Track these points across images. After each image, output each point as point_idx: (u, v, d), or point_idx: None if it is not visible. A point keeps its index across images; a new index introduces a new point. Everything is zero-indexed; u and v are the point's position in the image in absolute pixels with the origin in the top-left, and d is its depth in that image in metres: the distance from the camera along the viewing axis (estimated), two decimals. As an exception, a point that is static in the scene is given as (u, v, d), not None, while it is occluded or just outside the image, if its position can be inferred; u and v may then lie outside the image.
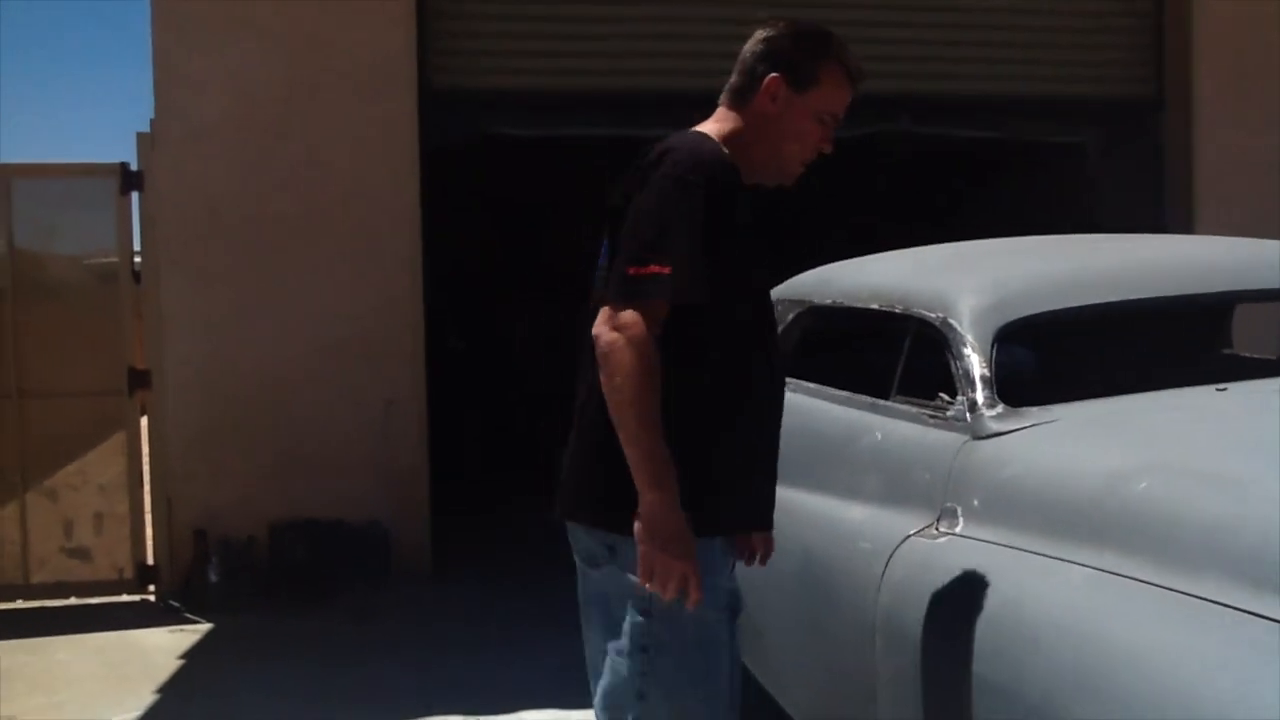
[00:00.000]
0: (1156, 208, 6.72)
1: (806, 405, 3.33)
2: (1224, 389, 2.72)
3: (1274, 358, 4.10)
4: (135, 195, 5.43)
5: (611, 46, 5.92)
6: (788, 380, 2.44)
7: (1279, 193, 6.39)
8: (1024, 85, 6.60)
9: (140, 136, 5.41)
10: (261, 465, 5.52)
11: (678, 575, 1.97)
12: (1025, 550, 2.26)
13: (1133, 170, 6.75)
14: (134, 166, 5.42)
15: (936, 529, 2.52)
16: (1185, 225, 6.52)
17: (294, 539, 5.54)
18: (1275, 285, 2.84)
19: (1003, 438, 2.56)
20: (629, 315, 1.99)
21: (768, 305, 2.31)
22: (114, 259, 5.49)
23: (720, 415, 2.13)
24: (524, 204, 8.46)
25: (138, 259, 5.51)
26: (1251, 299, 3.03)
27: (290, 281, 5.53)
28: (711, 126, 2.24)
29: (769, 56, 2.23)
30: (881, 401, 3.02)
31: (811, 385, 3.39)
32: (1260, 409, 2.49)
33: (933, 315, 2.92)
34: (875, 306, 3.22)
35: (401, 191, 5.62)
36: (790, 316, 3.71)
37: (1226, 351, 4.20)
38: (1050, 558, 2.19)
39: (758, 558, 2.39)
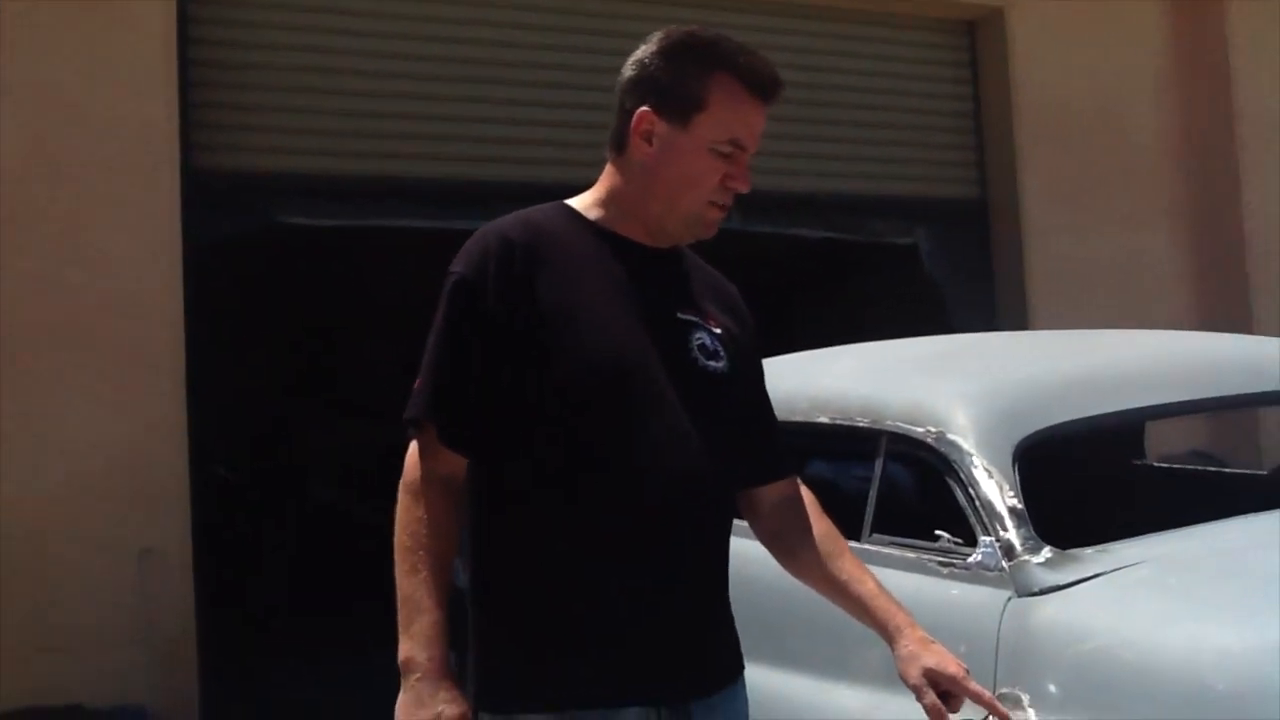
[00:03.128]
0: (990, 309, 6.49)
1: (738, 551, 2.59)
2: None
3: (1199, 468, 3.70)
4: None
5: (421, 129, 5.14)
6: None
7: (1111, 295, 6.27)
8: (853, 184, 6.29)
9: None
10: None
11: None
12: (1165, 764, 1.58)
13: (966, 271, 6.52)
14: None
15: (998, 727, 1.81)
16: (1020, 326, 6.31)
17: (16, 734, 4.28)
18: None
19: (1066, 594, 1.90)
20: (409, 453, 1.69)
21: (687, 386, 1.69)
22: None
23: (552, 555, 1.66)
24: (329, 305, 7.41)
25: None
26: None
27: (31, 404, 4.38)
28: (591, 191, 1.80)
29: (637, 85, 1.72)
30: (855, 544, 2.30)
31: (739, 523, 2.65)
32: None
33: (920, 430, 2.25)
34: (824, 420, 2.53)
35: (166, 291, 4.59)
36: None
37: (1140, 462, 3.77)
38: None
39: None
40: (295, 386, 7.55)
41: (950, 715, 1.76)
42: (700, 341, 1.76)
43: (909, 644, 1.77)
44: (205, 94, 4.87)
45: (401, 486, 1.70)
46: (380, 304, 6.91)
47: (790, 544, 1.91)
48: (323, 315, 7.41)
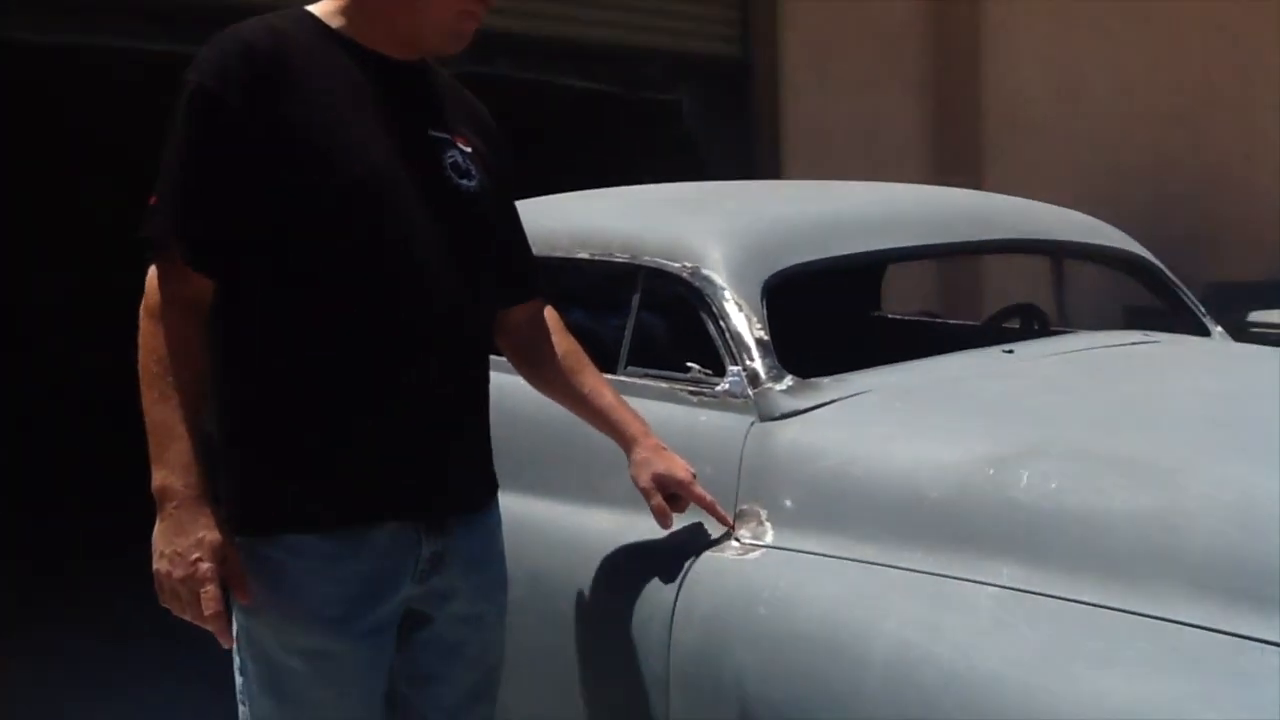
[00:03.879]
0: (747, 167, 6.66)
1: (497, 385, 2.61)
2: (1011, 350, 2.38)
3: (925, 319, 3.98)
4: None
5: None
6: None
7: (856, 156, 6.54)
8: (620, 35, 6.25)
9: None
10: None
11: (180, 567, 1.56)
12: (883, 565, 1.73)
13: (726, 129, 6.65)
14: None
15: (737, 539, 1.93)
16: (773, 189, 6.50)
17: None
18: (1050, 238, 2.57)
19: (804, 418, 2.02)
20: (149, 276, 1.62)
21: (441, 208, 1.70)
22: None
23: (303, 377, 1.65)
24: (49, 132, 6.74)
25: None
26: (1026, 249, 2.73)
27: None
28: None
29: None
30: (611, 376, 2.36)
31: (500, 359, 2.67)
32: (1094, 373, 2.16)
33: (676, 265, 2.31)
34: (584, 256, 2.56)
35: None
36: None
37: (876, 314, 4.01)
38: (924, 574, 1.67)
39: None
40: (8, 221, 6.94)
41: (675, 517, 1.89)
42: (452, 160, 1.74)
43: (642, 451, 1.88)
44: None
45: (143, 312, 1.61)
46: (107, 131, 6.41)
47: (535, 360, 1.96)
48: (42, 143, 6.79)
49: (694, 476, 1.88)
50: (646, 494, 1.87)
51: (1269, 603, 1.40)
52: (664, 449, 1.90)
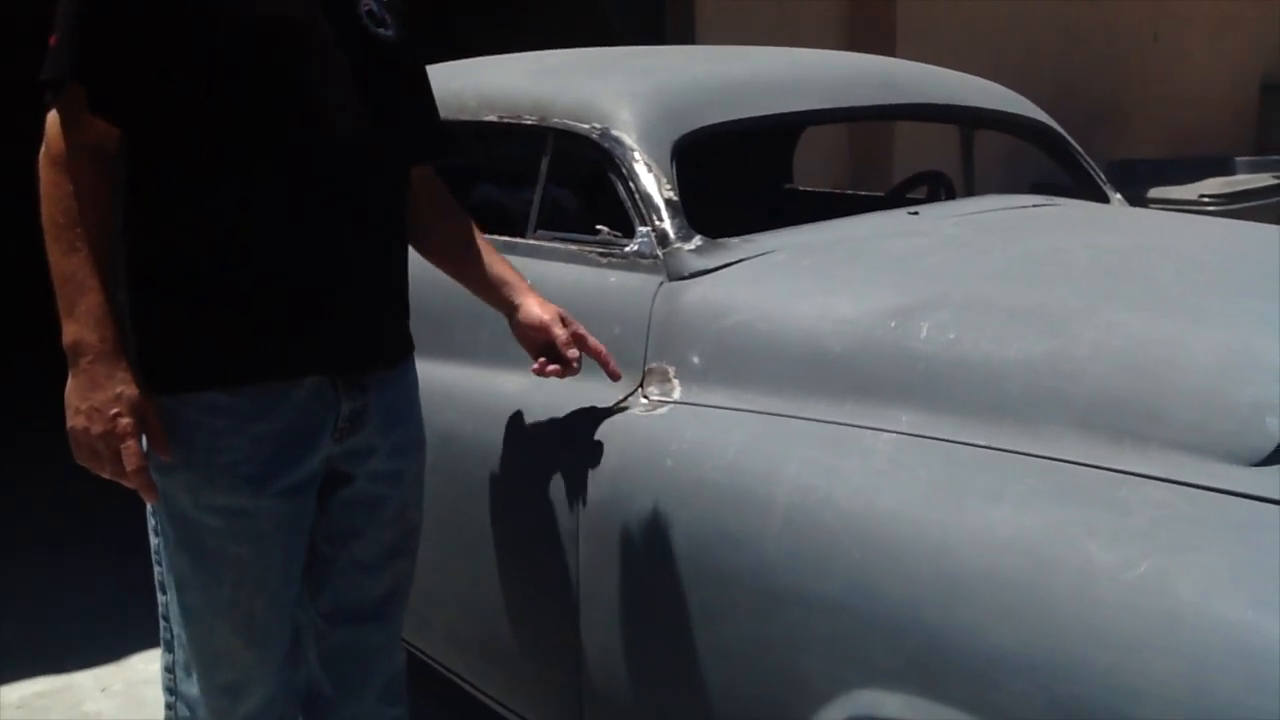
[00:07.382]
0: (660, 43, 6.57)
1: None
2: (916, 212, 2.41)
3: (833, 191, 4.01)
4: None
5: None
6: None
7: (776, 37, 6.47)
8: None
9: None
10: None
11: (99, 422, 1.53)
12: (788, 416, 1.76)
13: (637, 9, 6.55)
14: None
15: (645, 396, 1.95)
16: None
17: None
18: (961, 104, 2.58)
19: (712, 276, 2.04)
20: (50, 121, 1.55)
21: (356, 46, 1.67)
22: None
23: (216, 229, 1.60)
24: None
25: None
26: (938, 115, 2.74)
27: None
28: None
29: None
30: (520, 240, 2.35)
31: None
32: (996, 231, 2.19)
33: (585, 126, 2.29)
34: (493, 118, 2.52)
35: None
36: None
37: (788, 186, 4.02)
38: (827, 423, 1.71)
39: None
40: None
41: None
42: (367, 7, 1.70)
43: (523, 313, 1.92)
44: None
45: (45, 160, 1.54)
46: None
47: (425, 223, 1.94)
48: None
49: (560, 318, 1.89)
50: (532, 355, 1.92)
51: (1148, 440, 1.46)
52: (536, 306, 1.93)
